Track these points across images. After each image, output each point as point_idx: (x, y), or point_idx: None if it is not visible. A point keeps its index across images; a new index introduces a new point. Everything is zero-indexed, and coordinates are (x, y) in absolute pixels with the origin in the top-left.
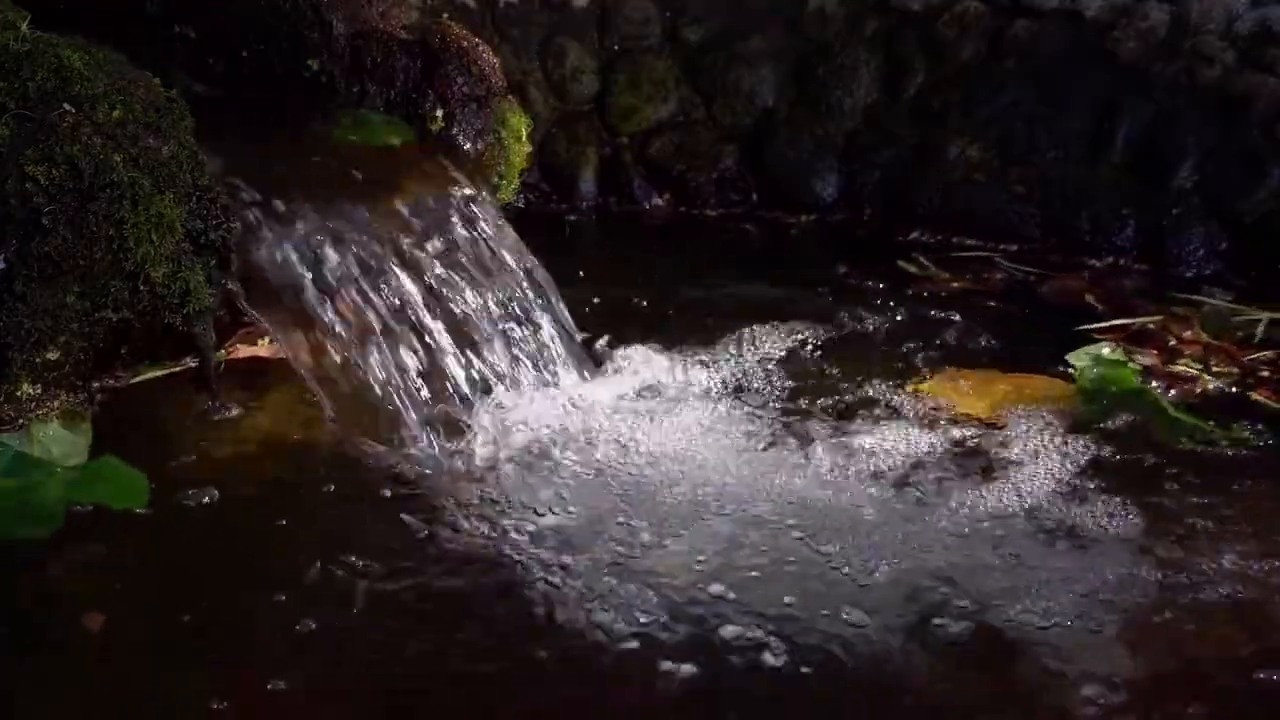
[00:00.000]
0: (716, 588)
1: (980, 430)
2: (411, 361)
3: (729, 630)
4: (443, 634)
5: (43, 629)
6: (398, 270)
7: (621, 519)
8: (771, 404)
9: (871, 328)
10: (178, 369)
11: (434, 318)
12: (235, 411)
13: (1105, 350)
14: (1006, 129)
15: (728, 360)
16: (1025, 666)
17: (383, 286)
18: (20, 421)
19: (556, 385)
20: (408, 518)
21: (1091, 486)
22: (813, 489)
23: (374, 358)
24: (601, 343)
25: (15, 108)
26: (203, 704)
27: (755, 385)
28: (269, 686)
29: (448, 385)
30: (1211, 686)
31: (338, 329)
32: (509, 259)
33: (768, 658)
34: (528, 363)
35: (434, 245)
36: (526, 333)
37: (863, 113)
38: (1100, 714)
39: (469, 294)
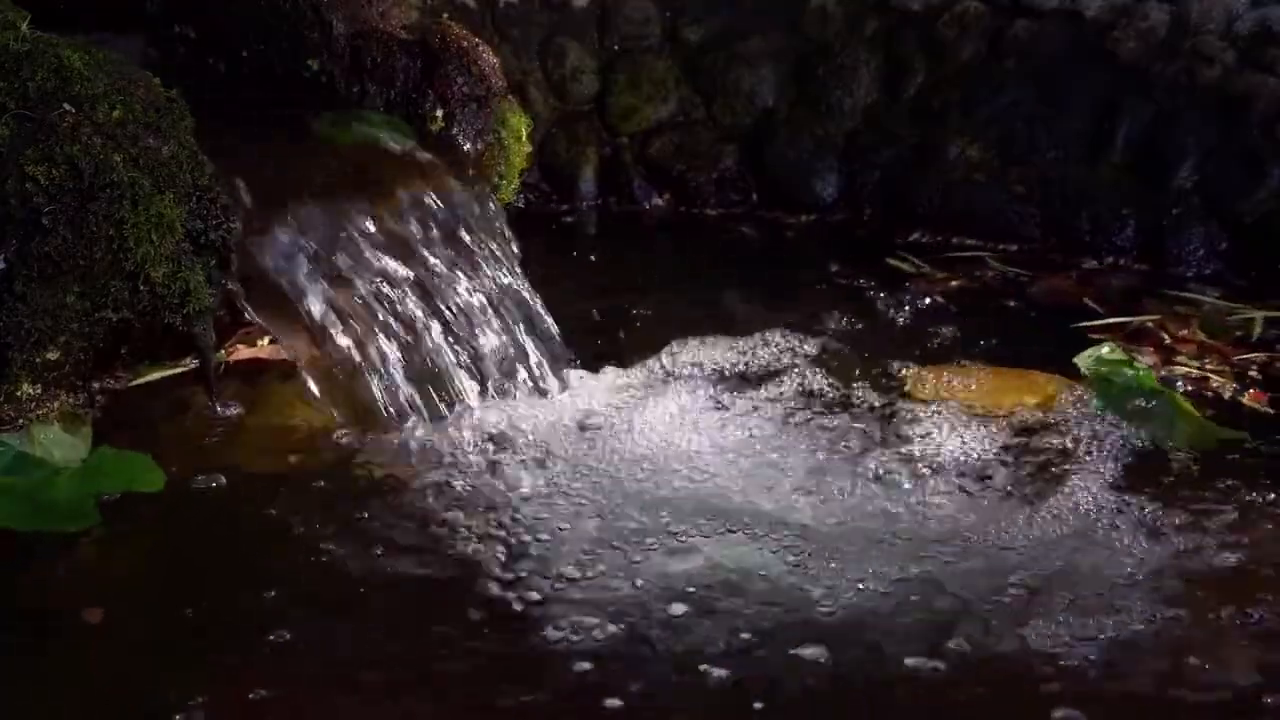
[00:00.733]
0: None
1: (1015, 426)
2: (411, 362)
3: None
4: (437, 628)
5: (44, 622)
6: (397, 270)
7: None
8: (776, 403)
9: (867, 327)
10: (178, 369)
11: (433, 318)
12: (235, 411)
13: (1105, 350)
14: (1006, 129)
15: (727, 359)
16: None
17: (382, 287)
18: (20, 422)
19: (547, 391)
20: (407, 516)
21: (1144, 484)
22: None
23: (373, 358)
24: (595, 347)
25: (15, 108)
26: (194, 697)
27: (756, 385)
28: (265, 683)
29: (446, 385)
30: None
31: (337, 329)
32: (508, 260)
33: None
34: (520, 366)
35: (433, 245)
36: (521, 336)
37: (863, 113)
38: None
39: (468, 294)
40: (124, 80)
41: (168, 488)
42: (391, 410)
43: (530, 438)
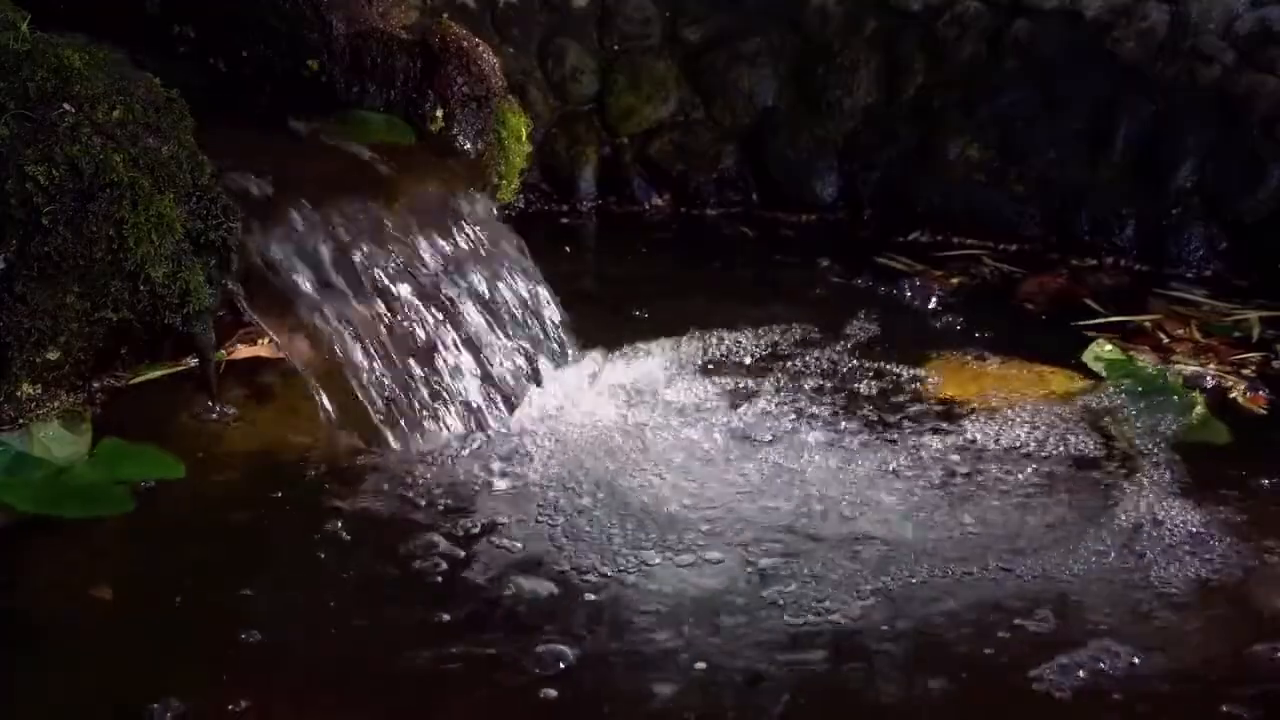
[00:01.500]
0: None
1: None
2: (409, 361)
3: None
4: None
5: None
6: (396, 270)
7: None
8: (783, 404)
9: (869, 326)
10: (178, 369)
11: (432, 318)
12: (235, 411)
13: (1108, 348)
14: (1006, 129)
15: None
16: None
17: (382, 287)
18: (20, 421)
19: (543, 389)
20: (403, 516)
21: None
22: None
23: (372, 358)
24: (594, 350)
25: (15, 108)
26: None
27: (760, 386)
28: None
29: (446, 385)
30: None
31: (337, 329)
32: (506, 261)
33: None
34: (519, 366)
35: (433, 246)
36: (521, 336)
37: (863, 112)
38: None
39: (467, 295)
40: (124, 80)
41: (166, 486)
42: (391, 411)
43: (528, 438)
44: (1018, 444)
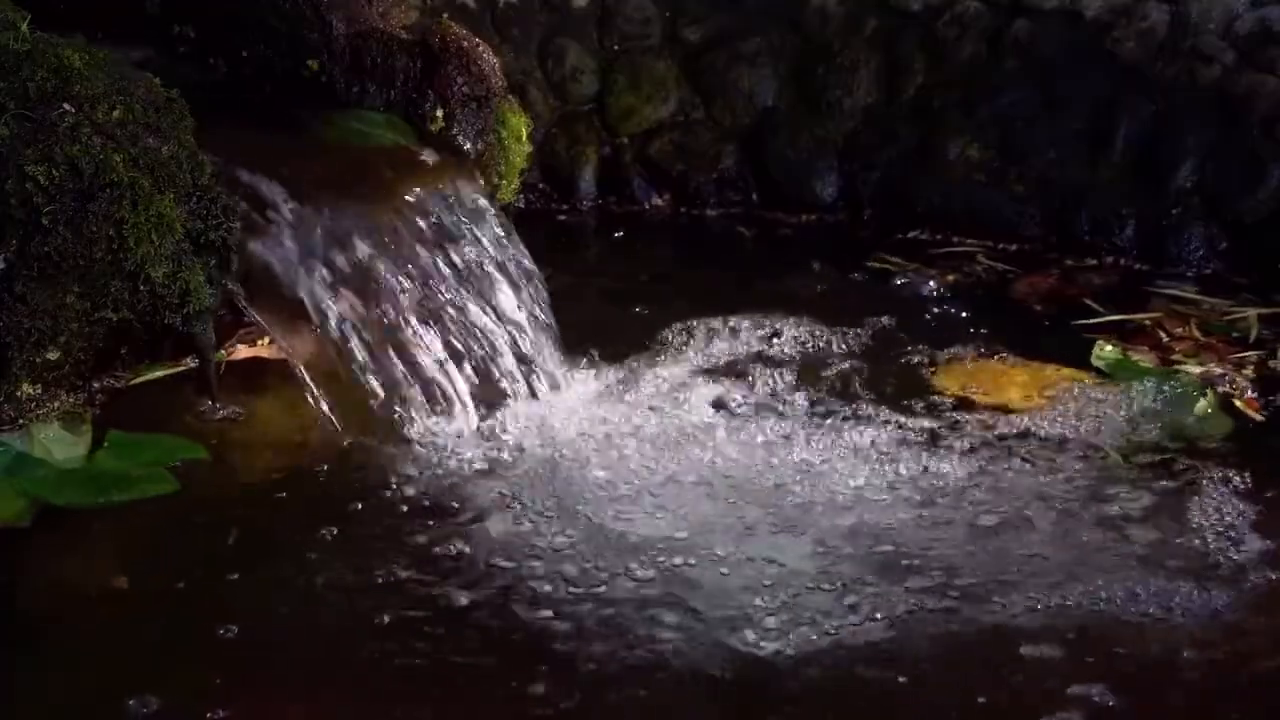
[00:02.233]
0: None
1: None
2: (409, 361)
3: None
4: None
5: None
6: (396, 270)
7: None
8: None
9: (867, 326)
10: (178, 369)
11: (431, 319)
12: (235, 411)
13: (1109, 348)
14: (1006, 129)
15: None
16: None
17: (381, 287)
18: (20, 421)
19: (544, 391)
20: (403, 514)
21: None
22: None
23: (372, 358)
24: (593, 350)
25: (15, 108)
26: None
27: (765, 387)
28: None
29: (446, 386)
30: None
31: (337, 329)
32: (505, 261)
33: None
34: (517, 365)
35: (432, 246)
36: (521, 336)
37: (862, 112)
38: None
39: (466, 295)
40: (124, 80)
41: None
42: (389, 412)
43: (526, 440)
44: (1049, 443)
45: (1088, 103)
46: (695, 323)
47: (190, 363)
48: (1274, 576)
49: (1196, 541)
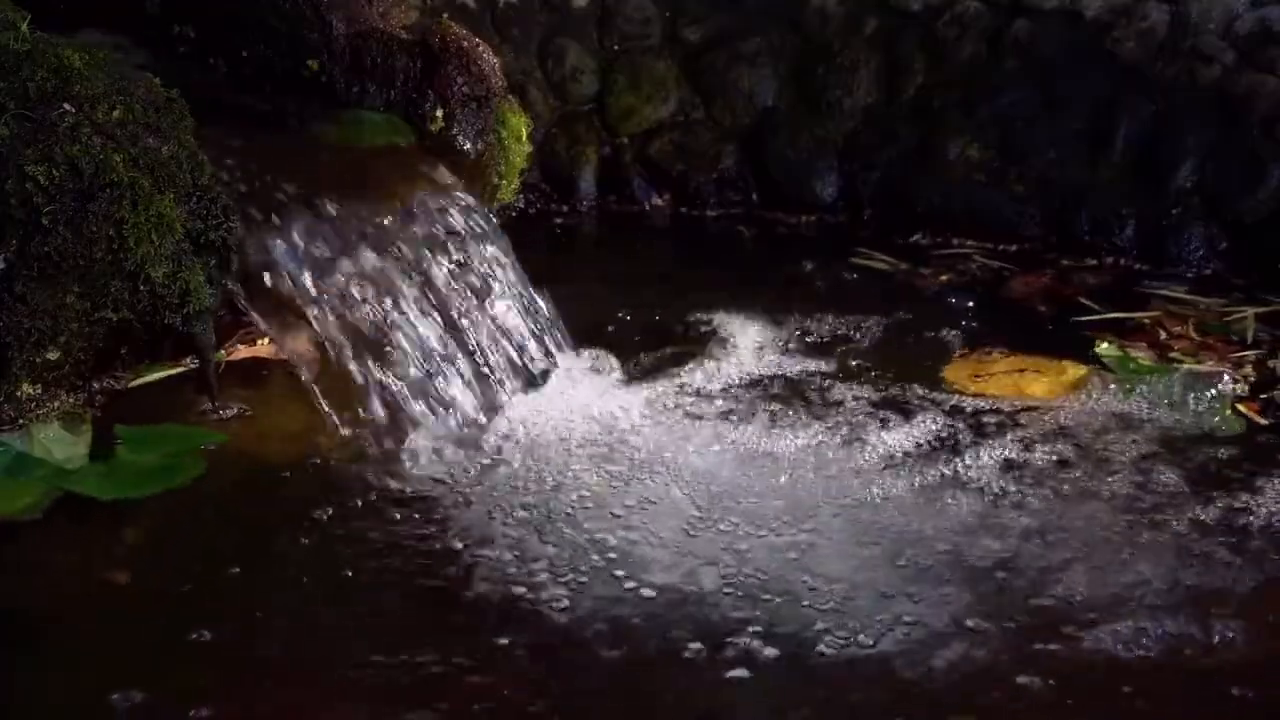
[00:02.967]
0: None
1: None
2: (408, 361)
3: None
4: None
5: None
6: (396, 271)
7: None
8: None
9: (871, 324)
10: (178, 369)
11: (431, 318)
12: (235, 411)
13: (1104, 345)
14: (1006, 129)
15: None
16: None
17: (381, 286)
18: (20, 422)
19: (540, 388)
20: (402, 513)
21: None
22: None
23: (372, 358)
24: (592, 350)
25: (15, 108)
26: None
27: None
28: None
29: (445, 386)
30: None
31: (336, 329)
32: (505, 260)
33: None
34: (515, 364)
35: (432, 245)
36: (520, 335)
37: (862, 112)
38: None
39: (466, 295)
40: (124, 80)
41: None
42: (389, 412)
43: (525, 437)
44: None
45: (1088, 103)
46: (695, 323)
47: (190, 363)
48: None
49: None
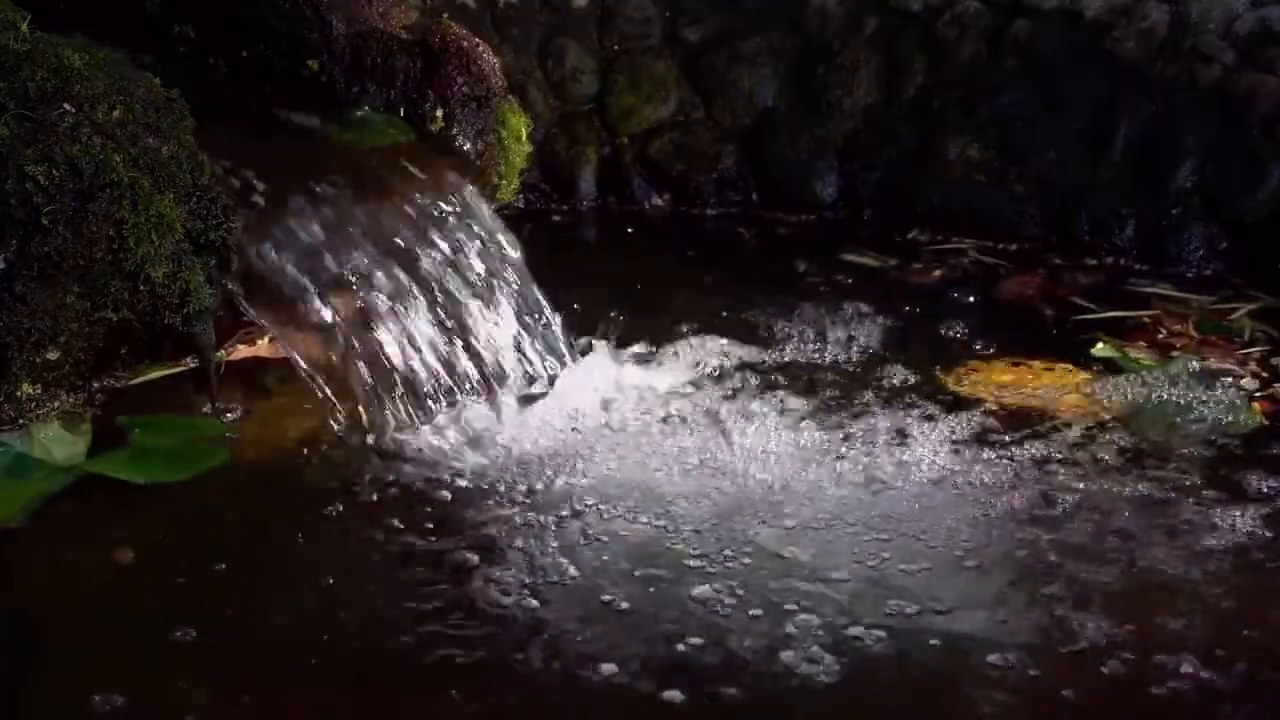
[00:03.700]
0: None
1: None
2: (408, 360)
3: None
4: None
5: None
6: (396, 271)
7: None
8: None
9: (867, 327)
10: (178, 369)
11: (431, 318)
12: (235, 411)
13: (1100, 346)
14: (1006, 129)
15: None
16: None
17: (382, 286)
18: (20, 421)
19: (540, 388)
20: (401, 514)
21: None
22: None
23: (372, 358)
24: (592, 350)
25: (15, 108)
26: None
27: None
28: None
29: (444, 386)
30: None
31: (336, 328)
32: (505, 261)
33: None
34: (515, 364)
35: (432, 246)
36: (519, 336)
37: (862, 112)
38: None
39: (466, 295)
40: (124, 80)
41: (167, 484)
42: (388, 411)
43: (525, 437)
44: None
45: (1088, 103)
46: (694, 323)
47: (190, 363)
48: None
49: None
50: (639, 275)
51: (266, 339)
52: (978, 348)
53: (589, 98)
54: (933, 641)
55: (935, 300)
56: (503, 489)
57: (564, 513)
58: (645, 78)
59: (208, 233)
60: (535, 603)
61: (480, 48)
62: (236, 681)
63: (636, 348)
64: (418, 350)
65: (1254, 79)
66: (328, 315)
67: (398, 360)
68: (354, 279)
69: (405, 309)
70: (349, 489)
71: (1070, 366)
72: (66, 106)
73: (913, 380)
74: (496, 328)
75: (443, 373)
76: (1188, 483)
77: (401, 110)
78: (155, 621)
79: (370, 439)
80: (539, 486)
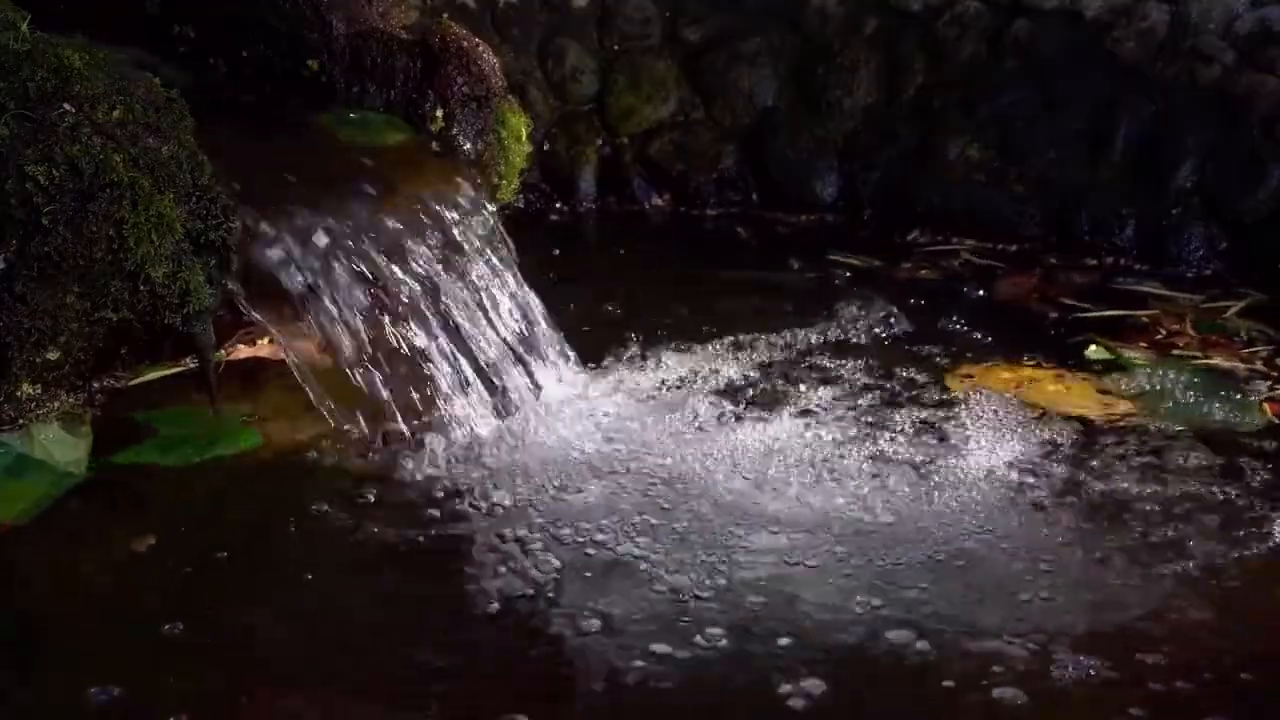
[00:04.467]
0: None
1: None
2: (407, 362)
3: None
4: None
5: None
6: (396, 271)
7: None
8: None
9: (872, 328)
10: (178, 369)
11: (431, 320)
12: (235, 411)
13: (1092, 348)
14: (1006, 129)
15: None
16: None
17: (381, 287)
18: (20, 422)
19: (540, 390)
20: (400, 513)
21: None
22: None
23: (372, 358)
24: (592, 351)
25: (15, 108)
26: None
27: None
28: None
29: (442, 386)
30: None
31: (336, 329)
32: (504, 261)
33: None
34: (514, 366)
35: (431, 246)
36: (519, 336)
37: (862, 112)
38: None
39: (465, 296)
40: (124, 80)
41: (167, 484)
42: (388, 412)
43: (524, 438)
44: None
45: (1088, 103)
46: (694, 324)
47: (190, 363)
48: None
49: None
50: (639, 277)
51: (266, 339)
52: (975, 340)
53: (589, 98)
54: None
55: (932, 300)
56: (502, 489)
57: (564, 511)
58: (645, 78)
59: (208, 233)
60: (530, 603)
61: (480, 48)
62: (236, 680)
63: (637, 354)
64: (415, 353)
65: (1254, 79)
66: (326, 316)
67: (396, 362)
68: (353, 280)
69: (404, 309)
70: (343, 489)
71: (1063, 370)
72: (66, 106)
73: (901, 377)
74: (496, 329)
75: (442, 373)
76: (1205, 481)
77: (402, 110)
78: (154, 619)
79: (367, 438)
80: (539, 486)
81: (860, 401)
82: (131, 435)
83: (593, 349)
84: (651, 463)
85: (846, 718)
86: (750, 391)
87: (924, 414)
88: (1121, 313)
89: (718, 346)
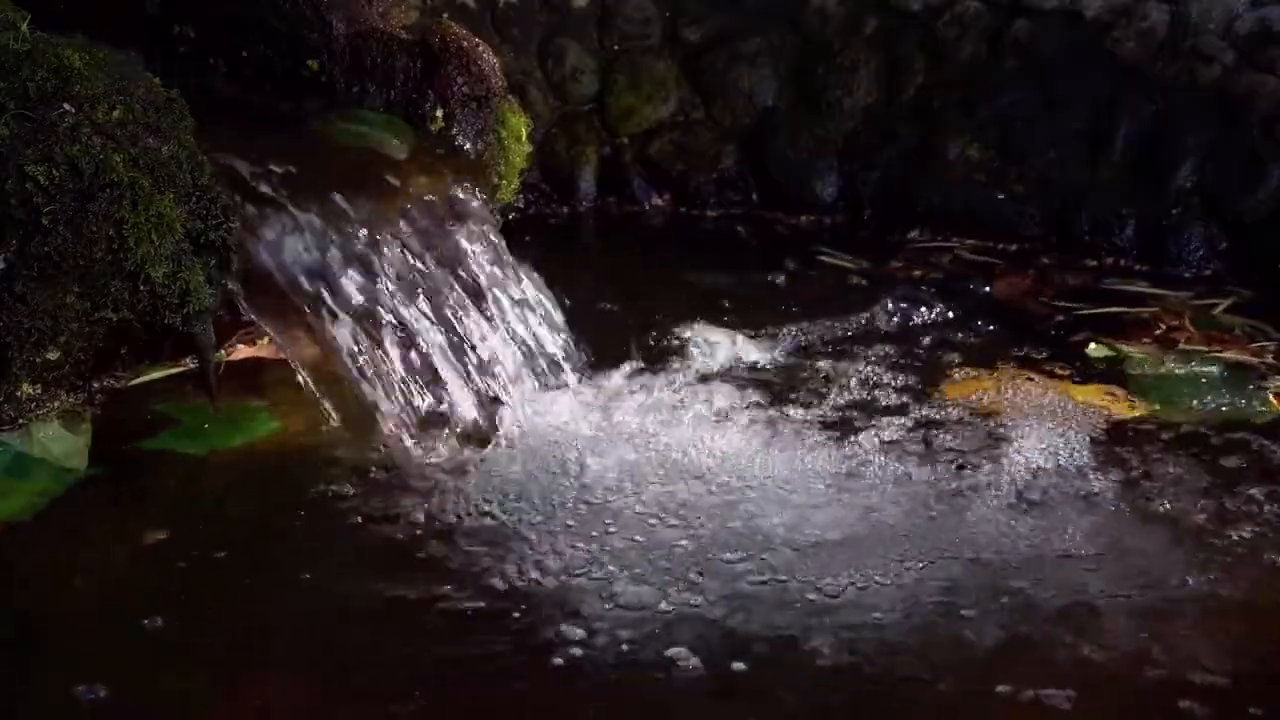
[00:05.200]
0: None
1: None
2: (408, 363)
3: None
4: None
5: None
6: (398, 270)
7: None
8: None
9: (872, 328)
10: (178, 369)
11: (431, 320)
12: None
13: (1098, 348)
14: (1006, 129)
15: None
16: None
17: (382, 287)
18: (20, 421)
19: (540, 391)
20: (400, 513)
21: None
22: None
23: (371, 360)
24: (592, 351)
25: (15, 108)
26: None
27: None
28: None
29: (443, 387)
30: None
31: (336, 329)
32: (504, 261)
33: None
34: (516, 367)
35: (432, 246)
36: (519, 337)
37: (862, 112)
38: None
39: (466, 297)
40: (124, 80)
41: (167, 483)
42: (387, 413)
43: (519, 443)
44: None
45: (1088, 103)
46: (694, 323)
47: (190, 363)
48: None
49: None
50: (640, 277)
51: (266, 339)
52: (969, 340)
53: (589, 98)
54: None
55: (929, 300)
56: (500, 487)
57: (563, 513)
58: (645, 78)
59: (208, 233)
60: (527, 598)
61: (480, 48)
62: (234, 677)
63: (637, 354)
64: (416, 353)
65: (1254, 79)
66: (326, 316)
67: (396, 363)
68: (353, 280)
69: (404, 308)
70: (342, 489)
71: (1065, 368)
72: (66, 106)
73: (898, 379)
74: (495, 329)
75: (441, 374)
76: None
77: (402, 110)
78: (152, 617)
79: (365, 441)
80: (544, 483)
81: (868, 396)
82: (154, 425)
83: (592, 348)
84: (653, 457)
85: None
86: (751, 391)
87: (913, 417)
88: (1119, 310)
89: (715, 346)
